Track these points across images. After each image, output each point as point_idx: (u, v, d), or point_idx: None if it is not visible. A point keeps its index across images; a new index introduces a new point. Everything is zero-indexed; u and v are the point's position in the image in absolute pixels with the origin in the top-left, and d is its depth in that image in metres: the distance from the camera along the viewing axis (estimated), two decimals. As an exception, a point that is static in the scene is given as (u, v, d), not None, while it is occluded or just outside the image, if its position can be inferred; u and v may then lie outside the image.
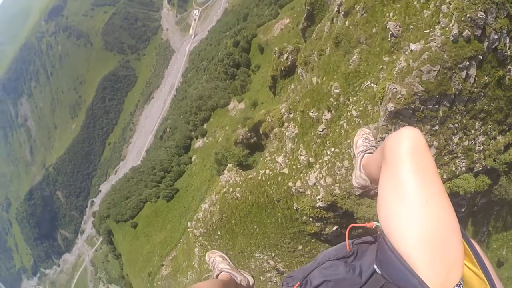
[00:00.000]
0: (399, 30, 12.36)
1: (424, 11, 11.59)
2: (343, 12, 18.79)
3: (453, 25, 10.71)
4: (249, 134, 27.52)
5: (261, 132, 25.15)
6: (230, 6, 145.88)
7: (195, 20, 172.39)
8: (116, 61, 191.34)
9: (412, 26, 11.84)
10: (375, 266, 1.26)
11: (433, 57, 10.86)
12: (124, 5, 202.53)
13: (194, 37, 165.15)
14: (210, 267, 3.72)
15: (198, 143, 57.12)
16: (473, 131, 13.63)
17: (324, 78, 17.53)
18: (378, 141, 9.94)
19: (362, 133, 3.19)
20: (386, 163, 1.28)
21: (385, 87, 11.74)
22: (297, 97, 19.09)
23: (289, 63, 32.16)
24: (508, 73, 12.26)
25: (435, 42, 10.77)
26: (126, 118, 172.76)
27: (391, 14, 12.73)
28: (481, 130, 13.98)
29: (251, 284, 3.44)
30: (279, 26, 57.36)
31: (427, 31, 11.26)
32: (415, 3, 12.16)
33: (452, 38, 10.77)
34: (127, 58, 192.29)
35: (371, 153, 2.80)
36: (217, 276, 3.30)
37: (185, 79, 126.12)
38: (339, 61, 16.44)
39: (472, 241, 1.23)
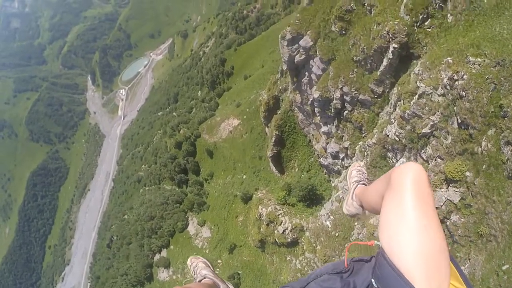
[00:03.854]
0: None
1: None
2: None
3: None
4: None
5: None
6: (156, 83, 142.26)
7: (122, 100, 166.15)
8: (44, 153, 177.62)
9: None
10: (373, 281, 1.37)
11: None
12: (48, 90, 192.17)
13: (123, 118, 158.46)
14: (192, 273, 3.43)
15: (163, 275, 50.50)
16: None
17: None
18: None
19: (357, 165, 3.22)
20: (391, 190, 1.43)
21: None
22: None
23: (289, 240, 28.17)
24: None
25: None
26: (63, 216, 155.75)
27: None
28: None
29: None
30: (227, 127, 53.82)
31: None
32: None
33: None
34: (55, 148, 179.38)
35: (364, 184, 2.92)
36: (199, 282, 3.16)
37: (121, 167, 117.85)
38: None
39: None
